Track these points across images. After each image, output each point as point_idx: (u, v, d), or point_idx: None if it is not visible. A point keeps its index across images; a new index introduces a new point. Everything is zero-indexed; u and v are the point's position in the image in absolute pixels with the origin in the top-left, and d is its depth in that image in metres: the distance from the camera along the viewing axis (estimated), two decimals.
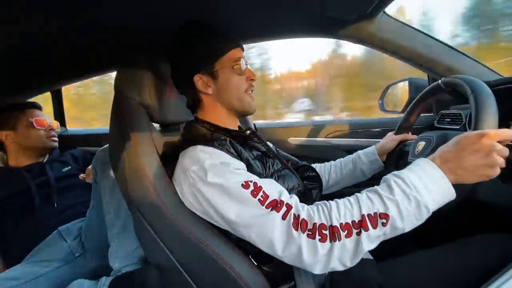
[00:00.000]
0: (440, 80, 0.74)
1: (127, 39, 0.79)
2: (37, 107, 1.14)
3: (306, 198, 0.66)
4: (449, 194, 0.46)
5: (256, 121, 1.31)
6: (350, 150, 1.17)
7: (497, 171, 0.45)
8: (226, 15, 0.79)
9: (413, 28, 0.90)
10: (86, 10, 0.63)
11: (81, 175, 1.07)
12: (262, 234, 0.48)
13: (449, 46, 0.92)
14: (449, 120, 0.94)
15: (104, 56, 0.94)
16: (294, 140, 1.22)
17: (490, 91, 0.57)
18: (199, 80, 0.63)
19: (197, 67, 0.63)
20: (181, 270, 0.59)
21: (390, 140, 0.85)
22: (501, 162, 0.45)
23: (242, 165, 0.56)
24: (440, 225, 0.68)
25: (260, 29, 0.93)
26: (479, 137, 0.46)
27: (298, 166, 0.75)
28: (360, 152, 0.87)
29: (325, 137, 1.20)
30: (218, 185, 0.50)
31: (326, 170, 0.87)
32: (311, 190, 0.69)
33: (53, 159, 1.13)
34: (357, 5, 0.77)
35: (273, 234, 0.47)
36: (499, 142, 0.46)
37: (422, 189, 0.44)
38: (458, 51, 0.93)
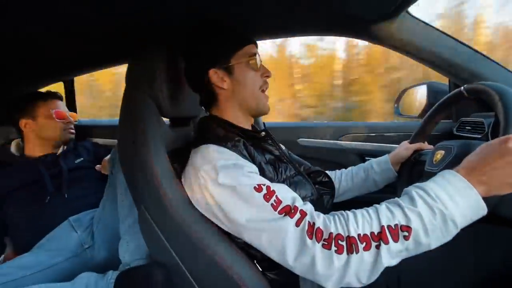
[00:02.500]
0: (462, 87, 0.70)
1: (141, 30, 0.78)
2: (59, 97, 1.15)
3: (317, 204, 0.64)
4: (479, 208, 0.42)
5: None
6: (361, 154, 1.14)
7: None
8: (243, 10, 0.77)
9: (437, 29, 0.85)
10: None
11: (98, 166, 1.08)
12: (273, 240, 0.46)
13: (475, 50, 0.87)
14: (469, 128, 0.89)
15: (118, 48, 0.93)
16: (303, 141, 1.19)
17: None
18: (214, 75, 0.62)
19: (213, 61, 0.62)
20: (184, 269, 0.58)
21: (404, 149, 0.81)
22: None
23: (255, 168, 0.54)
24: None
25: (276, 25, 0.90)
26: (503, 141, 0.43)
27: (310, 172, 0.73)
28: (372, 160, 0.84)
29: (336, 140, 1.17)
30: (229, 186, 0.49)
31: (337, 178, 0.84)
32: (322, 196, 0.67)
33: (67, 151, 1.14)
34: (379, 4, 0.73)
35: (285, 241, 0.45)
36: None
37: (448, 201, 0.41)
38: (484, 56, 0.88)
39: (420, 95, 1.05)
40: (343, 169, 0.87)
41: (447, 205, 0.41)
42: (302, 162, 0.79)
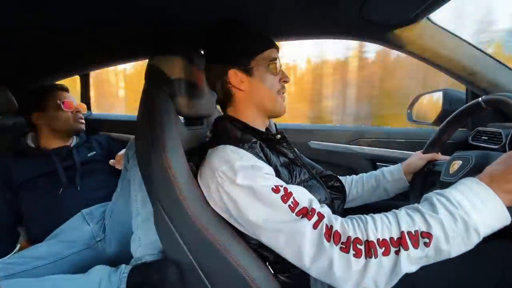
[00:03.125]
0: (480, 98, 0.69)
1: (161, 27, 0.79)
2: (65, 89, 1.17)
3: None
4: (502, 216, 0.41)
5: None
6: (373, 159, 1.13)
7: None
8: (261, 12, 0.77)
9: (458, 37, 0.83)
10: None
11: (111, 161, 1.10)
12: (290, 242, 0.46)
13: (495, 60, 0.86)
14: (486, 138, 0.88)
15: (137, 44, 0.94)
16: (315, 144, 1.19)
17: None
18: (234, 75, 0.62)
19: (233, 62, 0.62)
20: (197, 267, 0.59)
21: (418, 158, 0.79)
22: None
23: (271, 170, 0.55)
24: None
25: (293, 28, 0.90)
26: None
27: (322, 175, 0.73)
28: (384, 169, 0.83)
29: (348, 144, 1.16)
30: (247, 187, 0.49)
31: (347, 184, 0.84)
32: (333, 201, 0.67)
33: (80, 144, 1.16)
34: (401, 9, 0.72)
35: (302, 243, 0.44)
36: None
37: (470, 209, 0.40)
38: (504, 65, 0.86)
39: (435, 101, 1.03)
40: (354, 175, 0.86)
41: (470, 212, 0.40)
42: (314, 165, 0.79)
